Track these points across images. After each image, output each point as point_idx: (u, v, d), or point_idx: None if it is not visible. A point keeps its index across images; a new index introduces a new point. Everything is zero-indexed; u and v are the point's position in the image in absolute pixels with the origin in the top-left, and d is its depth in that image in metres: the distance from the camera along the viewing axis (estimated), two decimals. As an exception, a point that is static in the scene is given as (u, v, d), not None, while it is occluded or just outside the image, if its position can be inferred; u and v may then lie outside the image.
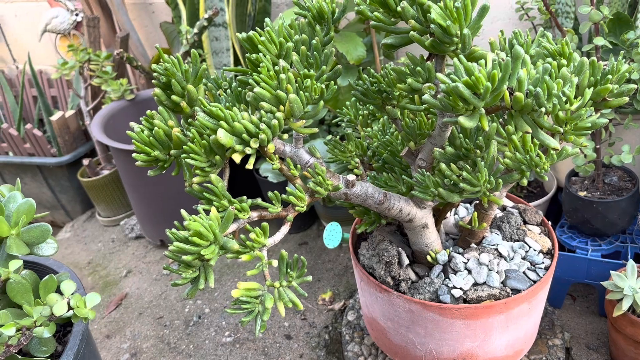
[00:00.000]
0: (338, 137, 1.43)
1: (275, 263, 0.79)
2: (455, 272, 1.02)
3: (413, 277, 1.04)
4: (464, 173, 0.79)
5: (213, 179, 0.79)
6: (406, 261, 1.03)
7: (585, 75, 0.81)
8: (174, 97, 0.82)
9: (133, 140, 0.80)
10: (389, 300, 1.04)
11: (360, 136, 1.08)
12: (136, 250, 1.95)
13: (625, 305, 1.09)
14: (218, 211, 0.81)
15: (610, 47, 1.18)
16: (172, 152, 0.82)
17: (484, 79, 0.64)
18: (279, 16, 0.85)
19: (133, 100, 1.93)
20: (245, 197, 0.82)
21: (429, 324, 1.01)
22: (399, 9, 0.75)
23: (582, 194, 1.30)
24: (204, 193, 0.80)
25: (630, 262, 1.12)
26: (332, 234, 1.40)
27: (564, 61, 0.83)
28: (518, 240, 1.09)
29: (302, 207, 0.83)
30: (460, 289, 0.99)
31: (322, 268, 1.68)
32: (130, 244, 2.00)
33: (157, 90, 0.83)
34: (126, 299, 1.70)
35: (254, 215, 0.82)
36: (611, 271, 1.12)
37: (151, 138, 0.81)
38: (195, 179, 0.80)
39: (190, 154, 0.77)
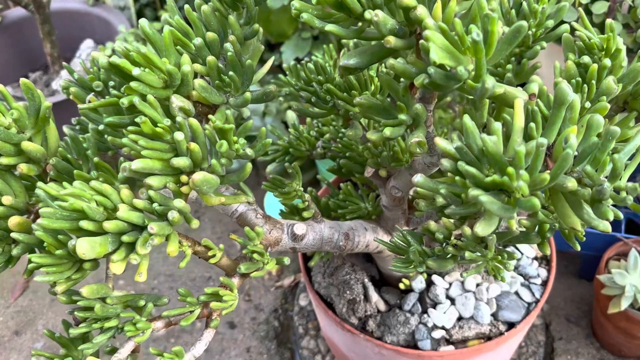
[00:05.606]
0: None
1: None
2: (435, 304, 0.81)
3: (382, 307, 0.83)
4: (467, 253, 0.54)
5: (86, 294, 0.51)
6: (374, 297, 0.81)
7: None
8: (3, 160, 0.50)
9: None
10: (353, 339, 0.83)
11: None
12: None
13: (625, 304, 0.93)
14: (103, 330, 0.54)
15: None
16: (14, 252, 0.52)
17: (526, 187, 0.37)
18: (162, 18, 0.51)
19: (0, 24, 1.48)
20: (144, 302, 0.55)
21: (403, 365, 0.82)
22: (367, 15, 0.43)
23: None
24: (79, 314, 0.52)
25: (633, 254, 0.95)
26: (275, 202, 1.25)
27: (607, 61, 0.56)
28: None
29: (232, 306, 0.57)
30: (443, 327, 0.79)
31: (266, 230, 1.45)
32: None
33: (-27, 152, 0.50)
34: (33, 280, 1.43)
35: (160, 325, 0.56)
36: (613, 270, 0.94)
37: (-25, 236, 0.50)
38: (59, 289, 0.52)
39: (42, 268, 0.48)
